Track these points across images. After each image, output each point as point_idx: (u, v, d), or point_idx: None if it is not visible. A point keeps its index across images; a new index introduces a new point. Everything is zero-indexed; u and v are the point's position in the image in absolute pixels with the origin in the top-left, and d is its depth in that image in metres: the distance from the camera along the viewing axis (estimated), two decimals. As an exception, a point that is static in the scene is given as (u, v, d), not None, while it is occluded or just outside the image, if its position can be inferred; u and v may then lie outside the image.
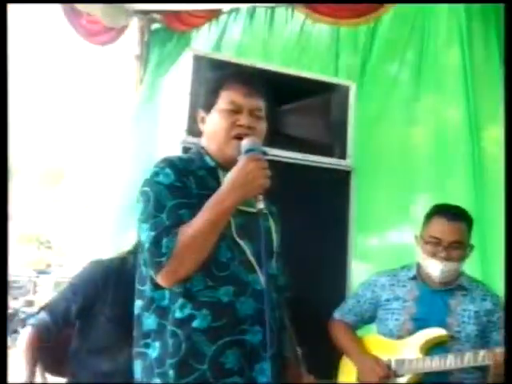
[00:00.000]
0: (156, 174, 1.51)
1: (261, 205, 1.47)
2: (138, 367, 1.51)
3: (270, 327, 1.46)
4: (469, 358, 2.00)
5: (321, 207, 2.53)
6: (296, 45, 3.39)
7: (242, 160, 1.48)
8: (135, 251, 1.92)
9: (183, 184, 1.50)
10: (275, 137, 2.51)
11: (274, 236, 1.64)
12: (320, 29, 3.42)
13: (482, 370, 2.08)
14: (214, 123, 1.60)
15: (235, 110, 1.58)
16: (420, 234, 2.27)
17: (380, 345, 2.25)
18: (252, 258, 1.50)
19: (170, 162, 1.54)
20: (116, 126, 3.66)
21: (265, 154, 1.52)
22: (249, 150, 1.50)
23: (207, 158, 1.60)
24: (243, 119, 1.57)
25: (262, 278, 1.49)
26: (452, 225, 2.17)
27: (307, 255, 2.46)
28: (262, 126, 1.62)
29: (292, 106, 2.57)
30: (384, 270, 2.39)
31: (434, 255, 2.18)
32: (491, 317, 2.17)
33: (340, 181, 2.59)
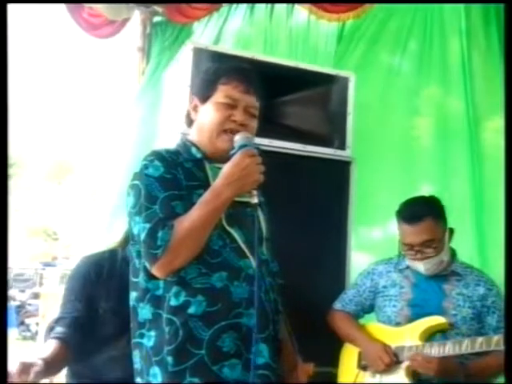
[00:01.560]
0: (145, 167, 1.53)
1: (255, 199, 1.50)
2: (136, 358, 1.54)
3: (264, 309, 1.51)
4: (467, 345, 2.02)
5: (320, 197, 2.55)
6: (297, 36, 3.39)
7: (237, 155, 1.50)
8: (124, 243, 1.93)
9: (173, 176, 1.52)
10: (275, 128, 2.55)
11: (263, 224, 1.65)
12: (322, 20, 3.42)
13: (480, 356, 2.11)
14: (208, 115, 1.62)
15: (231, 105, 1.60)
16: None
17: (381, 333, 2.28)
18: (243, 245, 1.53)
19: (158, 155, 1.56)
20: (118, 118, 3.68)
21: (258, 149, 1.55)
22: (242, 146, 1.52)
23: (193, 150, 1.62)
24: (238, 115, 1.59)
25: (254, 263, 1.52)
26: (415, 227, 2.15)
27: (306, 246, 2.49)
28: (254, 124, 1.64)
29: (292, 97, 2.58)
30: (381, 259, 2.42)
31: (412, 258, 2.20)
32: (485, 301, 2.18)
33: (339, 171, 2.60)
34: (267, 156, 2.46)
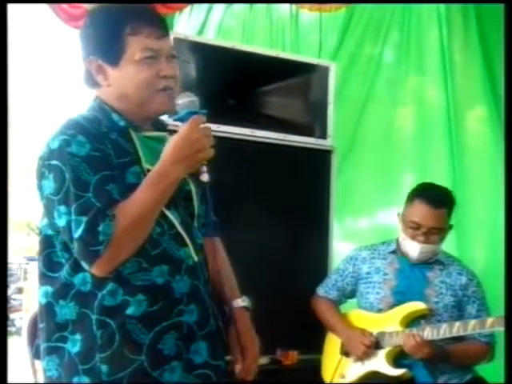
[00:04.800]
0: (66, 143, 1.25)
1: (205, 177, 1.31)
2: (51, 364, 1.31)
3: (204, 304, 1.35)
4: (444, 330, 2.07)
5: (302, 186, 2.57)
6: (277, 27, 3.39)
7: (185, 128, 1.28)
8: None
9: (102, 153, 1.26)
10: (256, 118, 2.56)
11: (195, 199, 1.43)
12: (302, 10, 3.42)
13: (458, 340, 2.15)
14: (130, 78, 1.33)
15: (153, 58, 1.33)
16: (402, 212, 2.31)
17: (362, 320, 2.31)
18: (181, 231, 1.34)
19: (80, 127, 1.28)
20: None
21: (205, 115, 1.32)
22: (190, 113, 1.30)
23: (115, 117, 1.34)
24: (165, 69, 1.34)
25: (193, 251, 1.35)
26: (433, 211, 2.19)
27: (288, 236, 2.50)
28: (178, 72, 1.40)
29: (272, 86, 2.59)
30: (365, 245, 2.45)
31: (413, 238, 2.22)
32: (466, 291, 2.23)
33: (321, 160, 2.62)
34: (249, 146, 2.51)
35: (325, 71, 2.65)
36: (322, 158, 2.62)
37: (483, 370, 2.31)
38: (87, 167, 1.24)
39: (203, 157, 1.29)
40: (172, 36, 2.41)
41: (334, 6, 3.27)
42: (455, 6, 3.24)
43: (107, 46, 1.34)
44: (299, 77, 2.63)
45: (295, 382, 2.38)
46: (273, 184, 2.51)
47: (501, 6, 2.64)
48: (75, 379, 1.27)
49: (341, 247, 3.01)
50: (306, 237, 2.56)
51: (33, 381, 2.06)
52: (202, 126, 1.29)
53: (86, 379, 1.26)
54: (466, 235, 3.06)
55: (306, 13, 3.43)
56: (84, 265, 1.25)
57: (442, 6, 3.22)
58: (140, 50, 1.32)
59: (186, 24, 3.51)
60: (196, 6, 3.53)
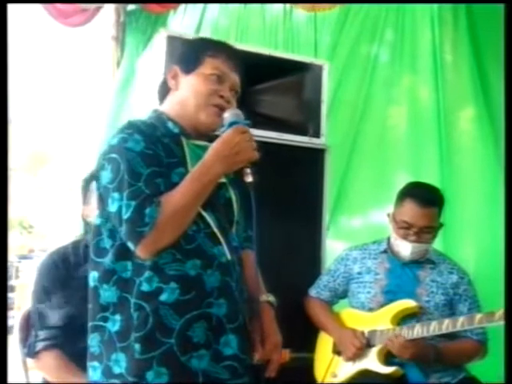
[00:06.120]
0: (124, 140, 1.43)
1: (249, 178, 1.47)
2: (94, 341, 1.46)
3: (234, 299, 1.47)
4: (434, 327, 2.08)
5: (295, 185, 2.57)
6: (271, 26, 3.39)
7: (227, 132, 1.46)
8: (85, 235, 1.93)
9: (154, 152, 1.44)
10: (250, 116, 2.54)
11: (235, 206, 1.59)
12: (297, 9, 3.43)
13: (448, 337, 2.17)
14: (194, 86, 1.55)
15: (219, 79, 1.55)
16: (392, 212, 2.32)
17: (354, 318, 2.32)
18: (217, 230, 1.48)
19: (136, 128, 1.47)
20: (93, 109, 3.64)
21: (249, 126, 1.50)
22: (233, 123, 1.48)
23: (170, 124, 1.54)
24: (225, 92, 1.55)
25: (227, 250, 1.48)
26: (424, 210, 2.20)
27: (282, 234, 2.49)
28: (235, 103, 1.61)
29: (266, 85, 2.58)
30: (355, 245, 2.46)
31: (404, 238, 2.23)
32: (457, 289, 2.24)
33: (314, 159, 2.62)
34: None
35: (318, 70, 2.65)
36: (316, 156, 2.62)
37: (479, 368, 2.32)
38: (141, 161, 1.42)
39: (242, 158, 1.46)
40: (166, 34, 2.44)
41: (327, 5, 3.28)
42: (447, 6, 3.26)
43: (188, 59, 1.60)
44: (293, 75, 2.62)
45: (287, 380, 2.38)
46: (266, 182, 2.48)
47: (493, 6, 2.66)
48: (113, 355, 1.41)
49: (334, 246, 3.02)
50: (300, 235, 2.56)
51: (24, 379, 2.05)
52: (244, 132, 1.46)
53: (121, 356, 1.40)
54: (456, 234, 3.07)
55: (300, 12, 3.45)
56: (130, 245, 1.39)
57: (434, 5, 3.24)
58: (211, 68, 1.56)
59: (180, 23, 3.52)
60: (190, 5, 3.53)
